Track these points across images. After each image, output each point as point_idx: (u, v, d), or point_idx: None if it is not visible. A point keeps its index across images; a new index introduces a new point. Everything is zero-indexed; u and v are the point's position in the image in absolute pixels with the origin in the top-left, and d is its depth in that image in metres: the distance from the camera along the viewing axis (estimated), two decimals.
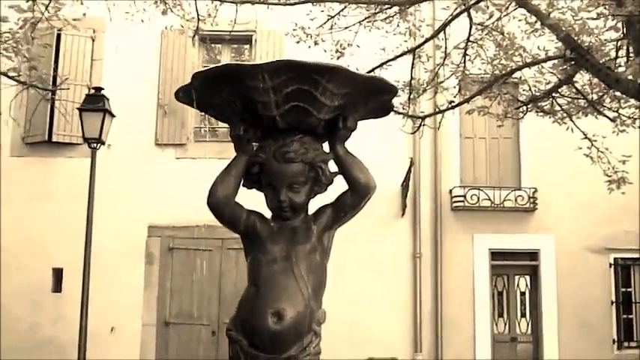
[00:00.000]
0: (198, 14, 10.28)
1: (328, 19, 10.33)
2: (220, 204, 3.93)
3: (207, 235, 14.02)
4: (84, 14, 11.56)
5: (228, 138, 4.18)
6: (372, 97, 3.97)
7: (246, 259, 4.01)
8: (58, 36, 14.68)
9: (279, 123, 3.84)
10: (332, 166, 4.04)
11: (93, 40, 15.05)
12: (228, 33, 11.20)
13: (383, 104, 4.15)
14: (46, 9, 7.68)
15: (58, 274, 14.37)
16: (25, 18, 7.91)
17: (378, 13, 10.45)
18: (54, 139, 14.62)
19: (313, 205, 4.09)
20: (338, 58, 10.59)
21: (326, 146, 4.06)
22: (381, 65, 10.32)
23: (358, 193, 3.97)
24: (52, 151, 14.76)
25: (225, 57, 15.32)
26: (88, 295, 11.70)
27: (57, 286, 14.39)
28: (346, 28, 10.57)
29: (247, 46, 15.39)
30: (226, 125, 4.21)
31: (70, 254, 13.47)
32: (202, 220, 13.31)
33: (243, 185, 4.04)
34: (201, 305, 14.37)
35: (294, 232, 3.94)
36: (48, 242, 14.25)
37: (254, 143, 4.00)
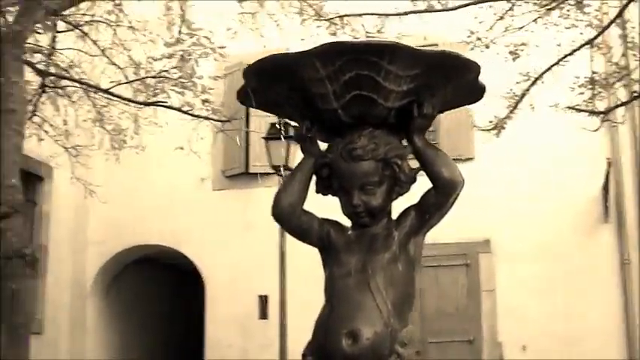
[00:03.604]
0: (365, 31, 10.27)
1: (497, 21, 9.98)
2: (285, 214, 3.50)
3: None
4: (264, 46, 11.96)
5: None
6: (452, 77, 3.41)
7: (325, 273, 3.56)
8: None
9: (342, 116, 3.39)
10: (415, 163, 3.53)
11: None
12: None
13: (469, 86, 3.54)
14: (176, 36, 7.89)
15: (263, 301, 14.78)
16: (182, 51, 8.18)
17: (554, 9, 9.98)
18: (251, 170, 15.10)
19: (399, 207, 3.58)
20: (514, 59, 10.22)
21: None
22: (558, 62, 9.83)
23: (442, 190, 3.38)
24: (250, 183, 15.25)
25: None
26: (285, 320, 11.97)
27: (263, 313, 14.78)
28: (521, 28, 10.17)
29: None
30: None
31: (274, 281, 13.79)
32: None
33: (317, 192, 3.59)
34: None
35: (373, 240, 3.42)
36: (252, 270, 14.69)
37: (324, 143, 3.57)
